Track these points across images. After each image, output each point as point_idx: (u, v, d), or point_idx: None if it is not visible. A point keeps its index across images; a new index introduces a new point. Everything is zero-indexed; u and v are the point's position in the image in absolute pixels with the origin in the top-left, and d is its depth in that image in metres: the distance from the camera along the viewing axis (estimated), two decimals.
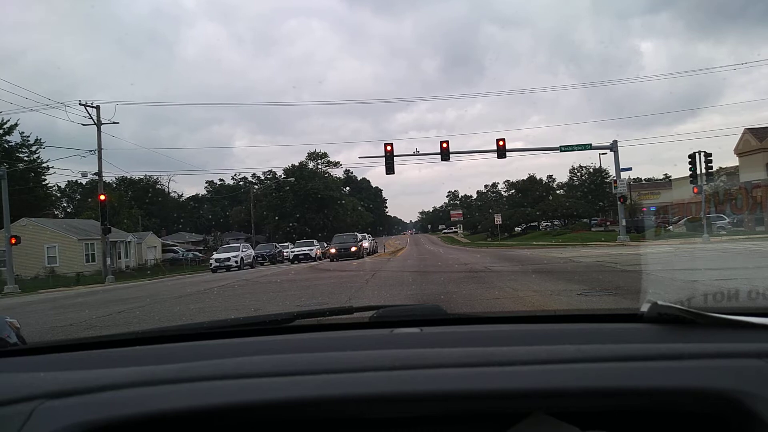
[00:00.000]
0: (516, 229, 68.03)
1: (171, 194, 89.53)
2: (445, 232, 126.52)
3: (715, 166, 32.55)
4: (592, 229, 58.15)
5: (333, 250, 37.36)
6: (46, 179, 56.71)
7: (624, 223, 36.09)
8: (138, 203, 68.19)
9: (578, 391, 0.98)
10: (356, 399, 0.99)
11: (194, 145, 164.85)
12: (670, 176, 74.31)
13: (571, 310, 5.88)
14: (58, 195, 74.79)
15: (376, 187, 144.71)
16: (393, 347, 1.20)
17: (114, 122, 36.91)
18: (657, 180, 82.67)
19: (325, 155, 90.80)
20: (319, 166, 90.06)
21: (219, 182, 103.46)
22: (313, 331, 1.59)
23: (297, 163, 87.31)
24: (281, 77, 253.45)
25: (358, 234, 44.83)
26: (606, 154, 45.12)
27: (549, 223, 69.66)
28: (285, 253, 46.61)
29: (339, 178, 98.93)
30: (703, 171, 30.56)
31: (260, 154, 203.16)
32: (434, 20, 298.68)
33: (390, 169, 33.97)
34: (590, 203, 62.46)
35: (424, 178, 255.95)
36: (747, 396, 0.94)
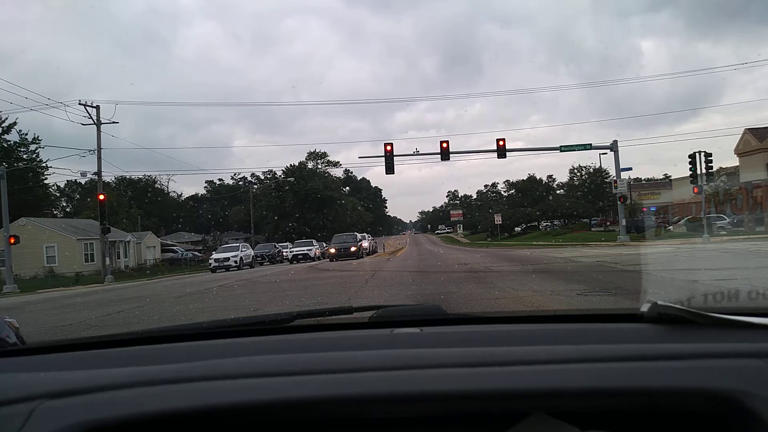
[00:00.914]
0: (516, 229, 68.03)
1: (170, 194, 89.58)
2: (437, 233, 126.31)
3: (716, 166, 32.59)
4: (592, 229, 58.14)
5: (332, 250, 37.36)
6: (46, 178, 56.73)
7: (624, 223, 36.10)
8: (137, 203, 68.17)
9: (578, 391, 0.98)
10: (356, 399, 0.99)
11: (193, 145, 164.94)
12: (670, 176, 74.42)
13: (571, 310, 5.88)
14: (58, 195, 74.89)
15: (376, 187, 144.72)
16: (393, 347, 1.20)
17: (114, 122, 36.94)
18: (657, 180, 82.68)
19: (324, 155, 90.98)
20: (319, 166, 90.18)
21: (218, 182, 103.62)
22: (313, 331, 1.59)
23: (296, 163, 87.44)
24: (280, 77, 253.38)
25: (358, 234, 44.83)
26: (606, 154, 45.22)
27: (549, 223, 69.66)
28: (284, 253, 46.59)
29: (339, 178, 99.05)
30: (704, 171, 30.59)
31: (260, 154, 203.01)
32: (433, 19, 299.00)
33: (390, 169, 33.97)
34: (590, 203, 62.45)
35: (424, 178, 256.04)
36: (747, 396, 0.94)
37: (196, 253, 58.52)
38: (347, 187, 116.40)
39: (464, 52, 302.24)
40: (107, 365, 1.16)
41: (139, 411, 0.96)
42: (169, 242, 64.02)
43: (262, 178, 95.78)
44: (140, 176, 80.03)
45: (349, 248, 37.40)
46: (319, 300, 11.70)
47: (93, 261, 45.07)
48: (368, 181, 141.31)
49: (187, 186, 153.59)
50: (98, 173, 37.46)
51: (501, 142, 33.96)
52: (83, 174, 47.66)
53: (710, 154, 30.59)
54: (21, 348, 1.61)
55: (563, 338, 1.25)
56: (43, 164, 53.57)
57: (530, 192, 77.15)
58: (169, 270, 44.15)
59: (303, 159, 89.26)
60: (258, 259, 42.44)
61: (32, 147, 54.53)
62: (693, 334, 1.17)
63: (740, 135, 47.58)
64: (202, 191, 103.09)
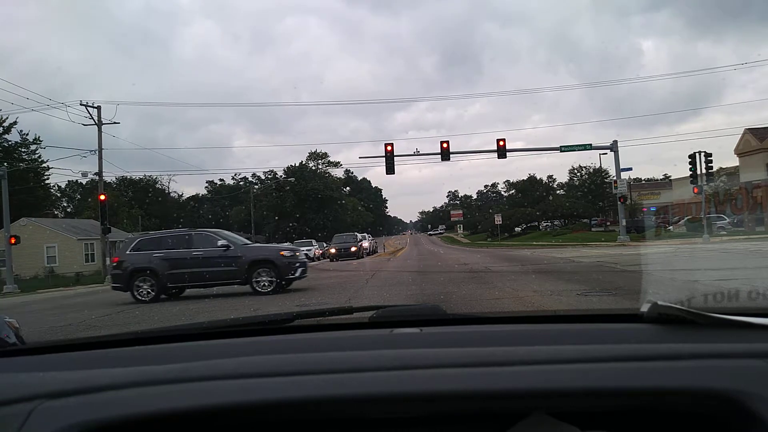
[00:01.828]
0: (516, 229, 68.02)
1: (171, 194, 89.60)
2: (430, 234, 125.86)
3: (716, 166, 32.60)
4: (592, 229, 58.13)
5: (333, 250, 37.37)
6: (47, 178, 56.74)
7: (624, 223, 36.09)
8: (138, 203, 68.16)
9: (578, 391, 0.98)
10: (356, 399, 0.99)
11: (192, 145, 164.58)
12: (670, 176, 74.40)
13: (571, 310, 5.88)
14: (58, 195, 74.90)
15: (376, 187, 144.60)
16: (393, 347, 1.20)
17: (115, 122, 36.91)
18: (657, 180, 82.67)
19: (325, 155, 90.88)
20: (320, 166, 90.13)
21: (219, 182, 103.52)
22: (312, 331, 1.59)
23: (297, 163, 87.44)
24: (279, 76, 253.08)
25: (358, 234, 44.81)
26: (606, 154, 45.13)
27: (549, 223, 69.65)
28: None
29: (339, 178, 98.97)
30: (704, 171, 30.58)
31: (260, 154, 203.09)
32: (433, 18, 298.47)
33: (390, 170, 33.95)
34: (590, 203, 62.45)
35: (424, 178, 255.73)
36: (747, 396, 0.94)
37: None
38: (348, 188, 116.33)
39: (464, 51, 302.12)
40: (107, 365, 1.16)
41: (139, 411, 0.96)
42: None
43: (263, 178, 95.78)
44: (141, 176, 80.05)
45: (350, 248, 37.40)
46: (319, 300, 11.70)
47: (93, 261, 45.07)
48: (369, 181, 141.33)
49: (187, 186, 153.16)
50: (99, 173, 37.44)
51: (501, 143, 33.94)
52: (84, 174, 47.74)
53: (710, 154, 30.62)
54: (21, 348, 1.61)
55: (563, 338, 1.24)
56: (44, 164, 53.65)
57: (530, 192, 77.15)
58: None
59: (303, 159, 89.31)
60: None
61: (33, 147, 54.63)
62: (693, 334, 1.16)
63: (740, 135, 47.63)
64: (202, 191, 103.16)
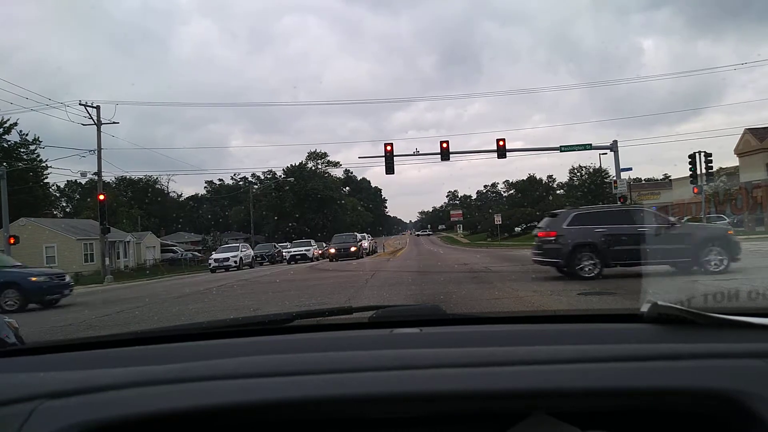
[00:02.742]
0: (516, 229, 68.01)
1: (170, 194, 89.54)
2: (418, 234, 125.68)
3: (715, 166, 32.60)
4: None
5: (332, 251, 37.35)
6: (46, 178, 56.68)
7: None
8: (137, 203, 68.13)
9: (578, 391, 0.98)
10: (356, 399, 0.99)
11: (191, 145, 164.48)
12: (670, 176, 74.38)
13: (571, 310, 5.89)
14: (57, 195, 74.86)
15: (376, 187, 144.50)
16: (393, 347, 1.20)
17: (114, 122, 36.92)
18: (657, 180, 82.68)
19: (324, 155, 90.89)
20: (319, 166, 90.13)
21: (218, 182, 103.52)
22: (312, 331, 1.59)
23: (296, 163, 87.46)
24: (278, 76, 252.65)
25: (358, 234, 44.79)
26: (606, 154, 45.02)
27: None
28: (284, 254, 46.52)
29: (339, 178, 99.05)
30: (703, 171, 30.59)
31: (259, 154, 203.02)
32: (433, 17, 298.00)
33: (390, 169, 33.91)
34: (590, 203, 62.48)
35: (423, 178, 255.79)
36: (747, 396, 0.94)
37: (196, 253, 58.46)
38: (347, 187, 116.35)
39: (463, 51, 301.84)
40: (107, 365, 1.16)
41: (139, 411, 0.96)
42: (169, 242, 63.94)
43: (262, 178, 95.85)
44: (140, 176, 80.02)
45: (349, 248, 37.39)
46: (319, 300, 11.71)
47: (93, 261, 45.03)
48: (368, 181, 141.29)
49: (186, 186, 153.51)
50: (98, 173, 37.44)
51: (501, 142, 33.91)
52: (83, 174, 47.71)
53: (710, 154, 30.62)
54: (21, 348, 1.61)
55: (563, 338, 1.24)
56: (44, 164, 53.61)
57: (530, 192, 77.25)
58: (168, 270, 44.09)
59: (303, 159, 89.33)
60: (258, 259, 42.33)
61: (32, 147, 54.58)
62: (693, 334, 1.16)
63: (740, 135, 47.64)
64: (202, 191, 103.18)
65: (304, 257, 41.78)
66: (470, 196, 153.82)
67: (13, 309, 14.69)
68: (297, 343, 1.40)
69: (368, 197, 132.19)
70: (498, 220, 59.20)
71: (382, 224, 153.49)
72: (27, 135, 53.97)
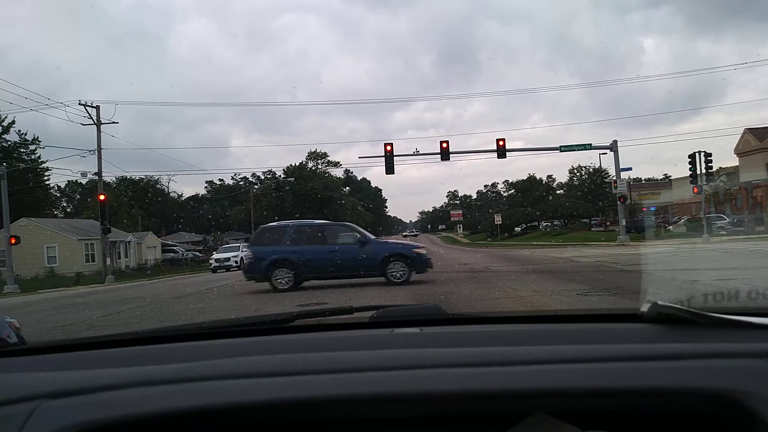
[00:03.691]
0: (516, 229, 68.04)
1: (171, 194, 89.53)
2: (404, 235, 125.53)
3: (715, 166, 32.61)
4: (592, 229, 58.11)
5: None
6: (47, 178, 56.66)
7: (624, 223, 36.10)
8: (138, 203, 68.15)
9: (578, 391, 0.98)
10: (356, 399, 0.99)
11: (191, 144, 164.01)
12: (670, 176, 74.41)
13: (571, 310, 5.89)
14: (58, 195, 74.85)
15: (376, 187, 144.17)
16: (393, 347, 1.20)
17: (114, 122, 36.94)
18: (657, 180, 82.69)
19: (324, 155, 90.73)
20: (319, 166, 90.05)
21: (219, 182, 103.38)
22: (313, 331, 1.59)
23: (296, 163, 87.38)
24: (278, 75, 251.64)
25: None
26: (606, 154, 45.10)
27: (549, 223, 69.66)
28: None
29: (339, 177, 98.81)
30: (703, 171, 30.60)
31: (259, 154, 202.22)
32: (432, 16, 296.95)
33: (390, 169, 33.95)
34: (590, 203, 62.49)
35: (423, 178, 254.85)
36: (747, 396, 0.94)
37: (197, 253, 58.46)
38: (347, 187, 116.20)
39: (462, 50, 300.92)
40: (107, 365, 1.16)
41: (139, 411, 0.96)
42: (170, 242, 63.96)
43: (262, 178, 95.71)
44: (141, 176, 80.00)
45: None
46: (320, 300, 11.71)
47: (93, 261, 45.05)
48: (368, 181, 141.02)
49: (187, 186, 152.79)
50: (99, 173, 37.46)
51: (501, 142, 33.95)
52: (83, 174, 47.55)
53: (710, 154, 30.65)
54: (22, 348, 1.61)
55: (563, 338, 1.25)
56: (43, 164, 53.59)
57: (530, 192, 77.26)
58: (169, 270, 44.10)
59: (303, 159, 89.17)
60: None
61: (32, 147, 54.56)
62: (693, 334, 1.16)
63: (740, 135, 47.63)
64: (202, 191, 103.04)
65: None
66: (470, 196, 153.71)
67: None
68: (298, 343, 1.40)
69: (368, 197, 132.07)
70: (498, 220, 59.18)
71: (382, 224, 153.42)
72: (26, 135, 54.07)
